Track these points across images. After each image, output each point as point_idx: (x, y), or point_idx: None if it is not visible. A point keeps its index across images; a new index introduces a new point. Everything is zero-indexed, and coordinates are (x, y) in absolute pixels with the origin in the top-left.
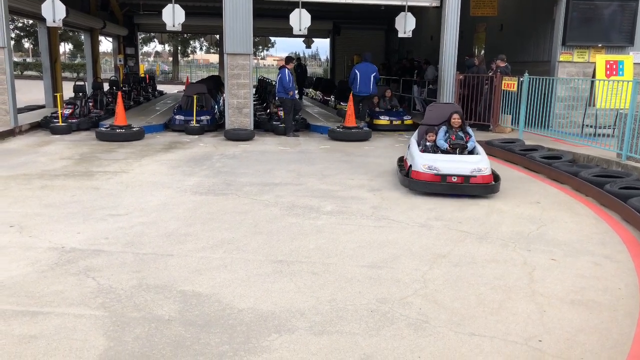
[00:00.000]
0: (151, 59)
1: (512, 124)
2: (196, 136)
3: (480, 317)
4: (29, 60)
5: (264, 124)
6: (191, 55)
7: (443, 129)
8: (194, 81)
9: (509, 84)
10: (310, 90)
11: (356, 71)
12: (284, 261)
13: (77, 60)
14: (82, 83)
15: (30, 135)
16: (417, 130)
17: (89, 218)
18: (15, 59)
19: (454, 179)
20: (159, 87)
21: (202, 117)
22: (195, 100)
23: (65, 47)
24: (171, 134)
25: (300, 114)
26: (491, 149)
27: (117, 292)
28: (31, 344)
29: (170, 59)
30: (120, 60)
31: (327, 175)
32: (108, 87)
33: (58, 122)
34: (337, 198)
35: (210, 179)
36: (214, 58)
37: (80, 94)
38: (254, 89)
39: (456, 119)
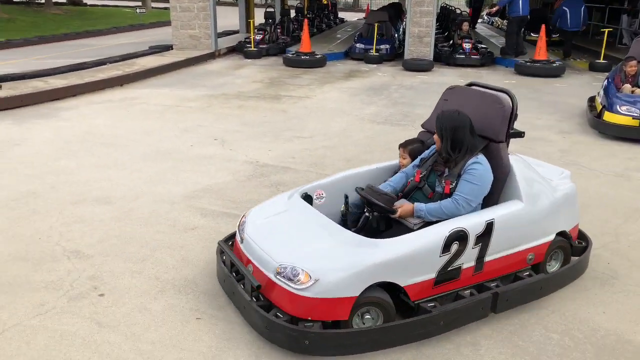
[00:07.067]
0: None
1: None
2: (374, 65)
3: None
4: None
5: (446, 57)
6: None
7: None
8: (375, 9)
9: None
10: (496, 19)
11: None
12: None
13: None
14: (272, 10)
15: (226, 59)
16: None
17: (278, 138)
18: None
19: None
20: (340, 15)
21: (382, 46)
22: (376, 29)
23: None
24: (351, 62)
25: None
26: None
27: None
28: None
29: None
30: None
31: None
32: (294, 14)
33: (250, 47)
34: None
35: (387, 108)
36: None
37: (270, 20)
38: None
39: (437, 143)
